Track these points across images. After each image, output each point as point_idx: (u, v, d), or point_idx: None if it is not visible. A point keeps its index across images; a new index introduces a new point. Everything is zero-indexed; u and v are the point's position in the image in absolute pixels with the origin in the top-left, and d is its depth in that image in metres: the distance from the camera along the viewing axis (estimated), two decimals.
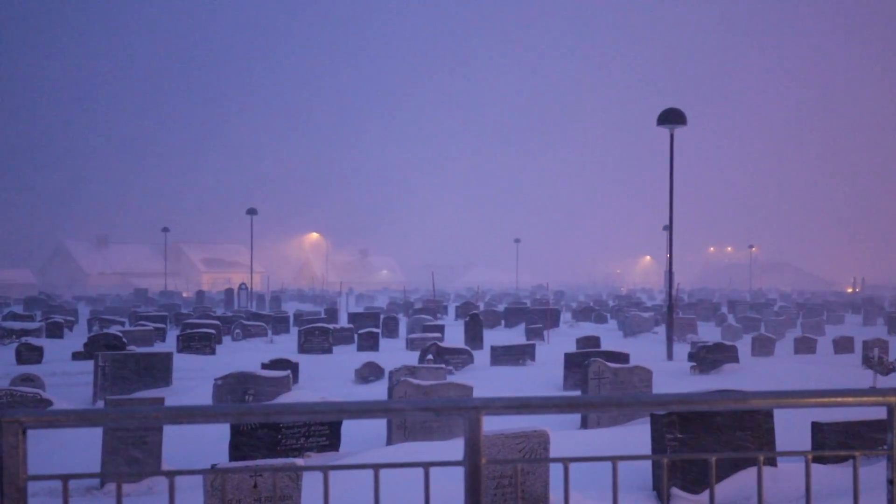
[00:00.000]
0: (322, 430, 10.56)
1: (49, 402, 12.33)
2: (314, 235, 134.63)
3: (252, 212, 54.43)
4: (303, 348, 24.60)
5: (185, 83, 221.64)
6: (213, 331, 25.13)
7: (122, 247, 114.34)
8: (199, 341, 23.77)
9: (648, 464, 8.58)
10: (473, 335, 26.17)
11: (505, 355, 20.94)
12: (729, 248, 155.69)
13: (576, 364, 16.30)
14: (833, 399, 2.99)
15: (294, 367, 17.23)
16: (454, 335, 28.20)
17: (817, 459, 8.60)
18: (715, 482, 3.10)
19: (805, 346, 25.26)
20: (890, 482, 2.90)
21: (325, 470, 3.08)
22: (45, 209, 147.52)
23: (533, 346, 21.96)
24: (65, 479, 2.91)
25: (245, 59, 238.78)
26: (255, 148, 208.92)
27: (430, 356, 19.12)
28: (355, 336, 27.30)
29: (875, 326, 39.41)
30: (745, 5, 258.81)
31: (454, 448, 9.29)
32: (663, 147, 23.46)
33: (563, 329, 35.03)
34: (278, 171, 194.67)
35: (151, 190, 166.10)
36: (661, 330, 31.78)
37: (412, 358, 20.29)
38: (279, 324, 33.78)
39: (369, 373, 18.35)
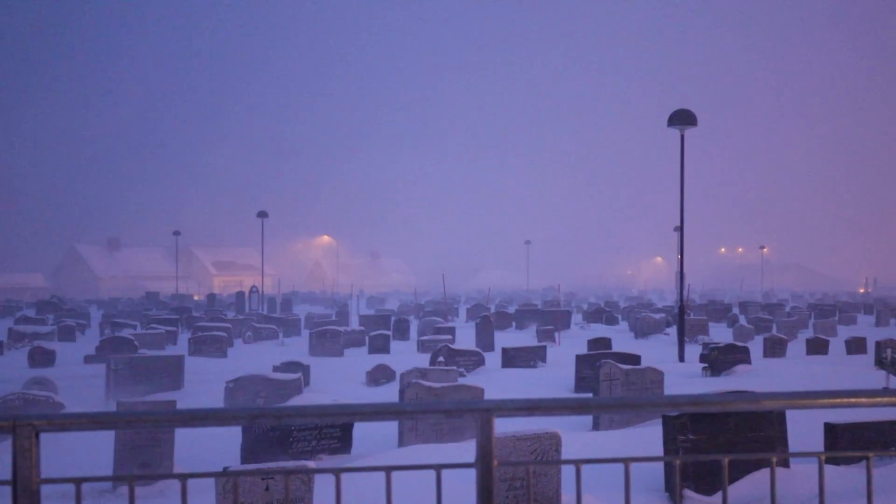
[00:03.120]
0: (334, 432, 10.56)
1: (61, 406, 12.37)
2: (325, 238, 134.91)
3: (263, 215, 54.52)
4: (314, 351, 24.63)
5: (195, 86, 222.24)
6: (224, 334, 25.18)
7: (134, 250, 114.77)
8: (210, 344, 23.82)
9: (660, 465, 8.56)
10: (484, 337, 26.16)
11: (516, 357, 20.91)
12: (740, 249, 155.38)
13: (587, 366, 16.28)
14: (846, 400, 2.98)
15: (305, 370, 17.25)
16: (465, 337, 28.19)
17: (830, 460, 8.57)
18: (728, 483, 3.09)
19: (817, 346, 25.13)
20: None
21: (336, 472, 3.08)
22: (57, 213, 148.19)
23: (544, 347, 21.93)
24: (77, 482, 2.92)
25: (255, 62, 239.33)
26: (266, 151, 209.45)
27: (441, 358, 19.11)
28: (366, 338, 27.31)
29: (888, 327, 39.22)
30: (755, 6, 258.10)
31: (466, 450, 9.29)
32: (674, 148, 23.41)
33: (574, 331, 34.99)
34: (289, 174, 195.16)
35: (163, 194, 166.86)
36: (673, 331, 31.70)
37: (423, 360, 20.28)
38: (290, 326, 33.86)
39: (380, 375, 18.35)
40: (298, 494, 6.79)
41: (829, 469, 8.07)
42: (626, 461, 3.09)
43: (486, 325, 27.00)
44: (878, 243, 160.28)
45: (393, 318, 35.44)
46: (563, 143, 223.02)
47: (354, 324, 36.02)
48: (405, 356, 22.81)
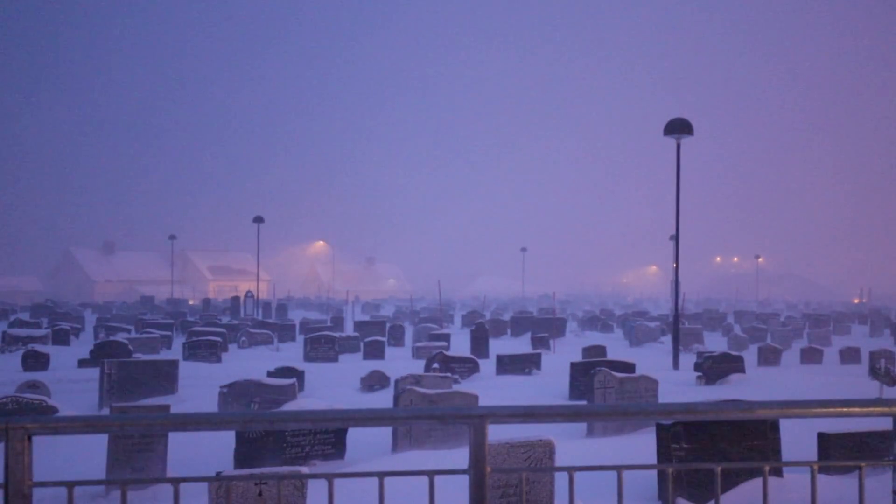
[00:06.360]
0: (327, 438, 10.55)
1: (54, 409, 12.33)
2: (320, 244, 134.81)
3: (259, 220, 54.42)
4: (308, 356, 24.59)
5: (191, 90, 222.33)
6: (219, 338, 25.13)
7: (129, 254, 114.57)
8: (204, 349, 23.77)
9: (654, 473, 8.56)
10: (479, 344, 26.14)
11: (511, 364, 20.91)
12: (735, 259, 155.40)
13: (581, 373, 16.28)
14: (839, 410, 2.99)
15: (300, 375, 17.22)
16: (460, 344, 28.18)
17: (823, 470, 8.58)
18: (720, 492, 3.09)
19: (811, 356, 25.19)
20: (895, 492, 2.89)
21: (329, 478, 3.08)
22: (52, 216, 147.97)
23: (539, 355, 21.92)
24: (70, 485, 2.92)
25: (252, 65, 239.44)
26: (262, 156, 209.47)
27: (435, 365, 19.10)
28: (361, 344, 27.30)
29: (881, 337, 39.30)
30: (751, 14, 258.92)
31: (460, 457, 9.27)
32: (670, 157, 23.45)
33: (569, 338, 34.99)
34: (285, 179, 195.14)
35: (158, 197, 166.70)
36: (668, 340, 31.72)
37: (418, 366, 20.27)
38: (285, 332, 33.81)
39: (375, 381, 18.33)
40: (292, 500, 6.78)
41: (822, 479, 8.08)
42: (619, 469, 3.10)
43: (482, 332, 26.99)
44: (873, 254, 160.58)
45: (388, 325, 35.41)
46: (560, 150, 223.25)
47: (349, 329, 36.00)
48: (400, 362, 22.79)
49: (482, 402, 12.55)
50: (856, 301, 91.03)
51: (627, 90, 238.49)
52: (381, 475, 3.04)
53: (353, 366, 22.32)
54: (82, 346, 28.30)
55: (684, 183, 23.36)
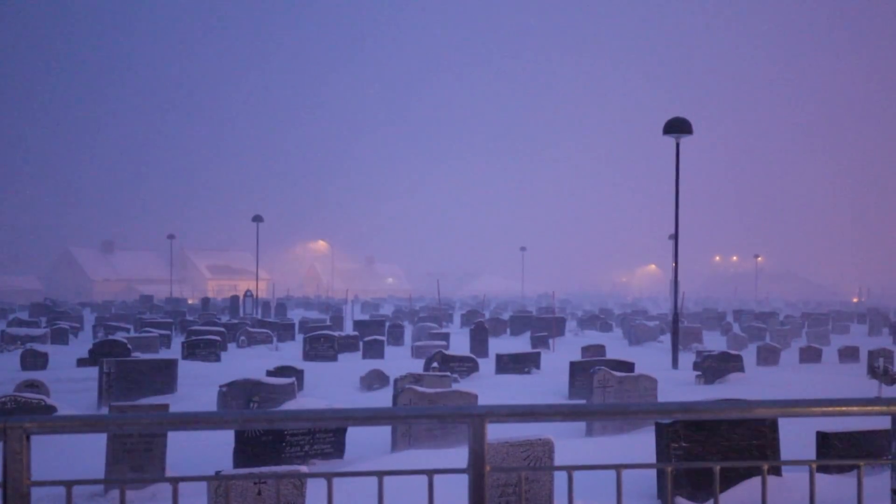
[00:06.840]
0: (327, 437, 10.55)
1: (53, 409, 12.32)
2: (320, 243, 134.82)
3: (258, 219, 54.40)
4: (308, 355, 24.58)
5: (190, 89, 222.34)
6: (218, 338, 25.10)
7: (128, 253, 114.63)
8: (204, 348, 23.75)
9: (653, 472, 8.56)
10: (479, 343, 26.14)
11: (510, 363, 20.90)
12: (734, 258, 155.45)
13: (581, 372, 16.28)
14: (838, 408, 2.99)
15: (299, 375, 17.21)
16: (459, 343, 28.18)
17: (822, 469, 8.57)
18: (719, 491, 3.09)
19: (810, 355, 25.19)
20: (893, 491, 2.89)
21: (329, 477, 3.08)
22: (51, 216, 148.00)
23: (538, 354, 21.92)
24: (68, 485, 2.92)
25: (251, 65, 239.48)
26: (262, 155, 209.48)
27: (435, 364, 19.08)
28: (360, 343, 27.27)
29: (880, 336, 39.30)
30: (751, 14, 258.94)
31: (459, 456, 9.27)
32: (669, 156, 23.45)
33: (568, 337, 35.00)
34: (284, 179, 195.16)
35: (157, 197, 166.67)
36: (667, 339, 31.71)
37: (417, 366, 20.26)
38: (284, 331, 33.80)
39: (374, 380, 18.33)
40: (290, 499, 6.78)
41: (821, 478, 8.08)
42: (618, 468, 3.10)
43: (481, 331, 26.98)
44: (872, 253, 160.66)
45: (387, 324, 35.41)
46: (560, 150, 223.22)
47: (349, 329, 35.99)
48: (399, 361, 22.78)
49: (481, 401, 12.54)
50: (854, 300, 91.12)
51: (627, 90, 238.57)
52: (381, 474, 3.04)
53: (353, 365, 22.31)
54: (81, 345, 28.27)
55: (684, 182, 23.36)
